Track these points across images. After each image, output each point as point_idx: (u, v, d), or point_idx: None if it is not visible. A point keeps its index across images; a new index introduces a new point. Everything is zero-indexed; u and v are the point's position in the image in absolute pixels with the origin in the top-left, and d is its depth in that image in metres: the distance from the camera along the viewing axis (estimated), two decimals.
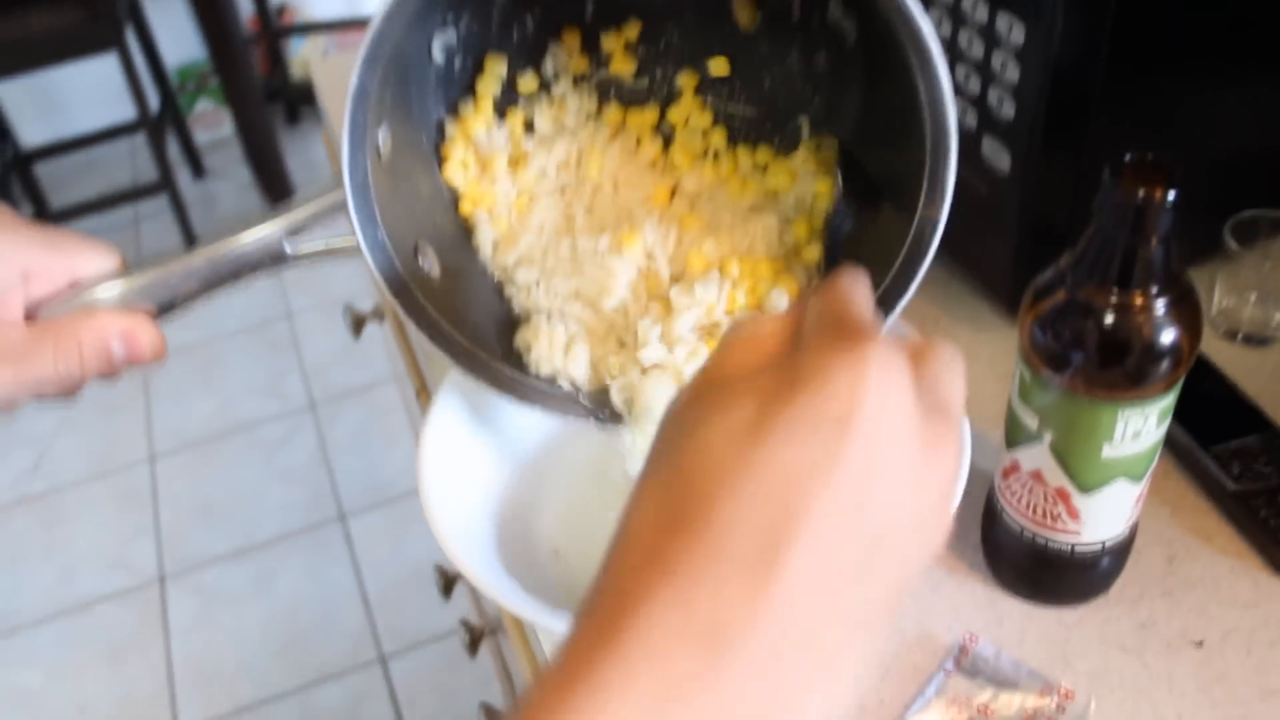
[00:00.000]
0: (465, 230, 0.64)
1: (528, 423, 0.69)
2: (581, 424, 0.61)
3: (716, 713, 0.30)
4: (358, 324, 1.12)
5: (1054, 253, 0.55)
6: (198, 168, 2.94)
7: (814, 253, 0.61)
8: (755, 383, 0.33)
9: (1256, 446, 0.69)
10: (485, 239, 0.63)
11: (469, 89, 0.63)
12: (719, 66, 0.64)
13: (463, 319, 0.59)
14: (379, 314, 1.12)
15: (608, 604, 0.31)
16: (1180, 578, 0.65)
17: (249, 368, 2.39)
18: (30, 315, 0.51)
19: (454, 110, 0.63)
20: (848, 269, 0.39)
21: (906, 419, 0.32)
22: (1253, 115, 0.76)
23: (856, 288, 0.37)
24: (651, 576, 0.31)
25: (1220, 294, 0.78)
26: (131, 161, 3.02)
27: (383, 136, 0.55)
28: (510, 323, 0.63)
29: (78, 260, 0.51)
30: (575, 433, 0.68)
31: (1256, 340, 0.78)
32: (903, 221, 0.55)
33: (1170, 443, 0.71)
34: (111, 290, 0.51)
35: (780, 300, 0.58)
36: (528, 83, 0.64)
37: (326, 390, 2.30)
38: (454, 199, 0.63)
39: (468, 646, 1.00)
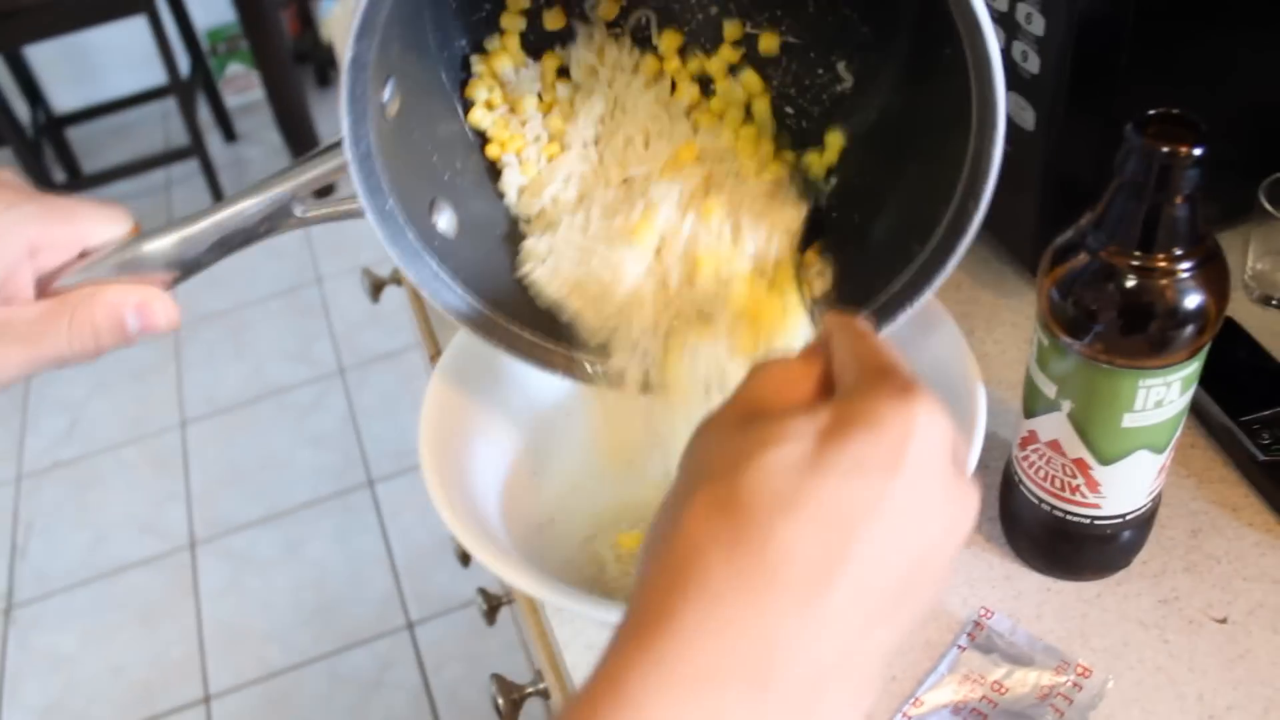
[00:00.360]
0: (490, 173, 0.61)
1: (527, 396, 0.68)
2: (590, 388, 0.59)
3: None
4: (376, 288, 1.11)
5: (1079, 215, 0.52)
6: (229, 131, 2.94)
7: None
8: (810, 420, 0.34)
9: None
10: (511, 184, 0.61)
11: (494, 24, 0.61)
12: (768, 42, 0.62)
13: (480, 276, 0.58)
14: (397, 278, 1.11)
15: (653, 623, 0.32)
16: (1204, 552, 0.62)
17: (279, 333, 2.39)
18: (43, 287, 0.50)
19: (479, 48, 0.61)
20: (856, 317, 0.41)
21: (944, 468, 0.34)
22: None
23: (888, 341, 0.39)
24: (701, 598, 0.32)
25: (1254, 257, 0.76)
26: (163, 125, 3.02)
27: (389, 93, 0.53)
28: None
29: (86, 229, 0.50)
30: (575, 404, 0.67)
31: None
32: (934, 203, 0.54)
33: (1197, 411, 0.68)
34: (122, 259, 0.50)
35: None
36: (554, 18, 0.62)
37: (356, 355, 2.30)
38: (479, 140, 0.61)
39: (485, 615, 1.00)
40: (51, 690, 1.82)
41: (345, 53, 0.47)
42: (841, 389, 0.37)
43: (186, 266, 0.51)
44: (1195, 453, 0.67)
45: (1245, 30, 0.68)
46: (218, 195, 2.61)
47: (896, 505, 0.33)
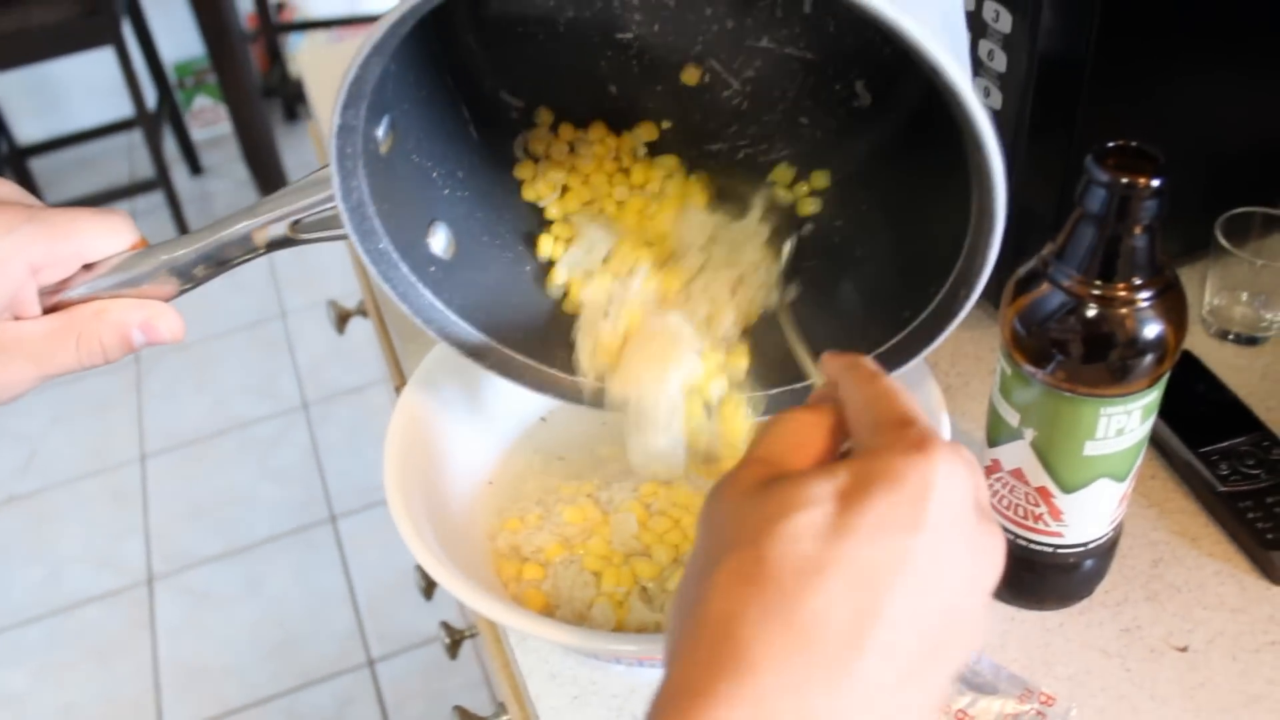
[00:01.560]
0: (498, 185, 0.62)
1: (493, 420, 0.68)
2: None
3: None
4: (342, 319, 1.10)
5: (1041, 247, 0.53)
6: (195, 165, 2.93)
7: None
8: (829, 479, 0.34)
9: (1245, 448, 0.67)
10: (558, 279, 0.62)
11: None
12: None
13: (476, 301, 0.58)
14: (363, 310, 1.11)
15: (685, 700, 0.32)
16: (1165, 581, 0.63)
17: (242, 367, 2.37)
18: (49, 300, 0.50)
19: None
20: (860, 357, 0.41)
21: (966, 522, 0.35)
22: (1245, 110, 0.75)
23: (899, 385, 0.39)
24: (733, 672, 0.32)
25: (1211, 292, 0.77)
26: (128, 158, 3.00)
27: (383, 131, 0.53)
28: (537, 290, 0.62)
29: (87, 244, 0.50)
30: (539, 430, 0.68)
31: (1247, 340, 0.76)
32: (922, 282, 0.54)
33: (1157, 443, 0.69)
34: (126, 274, 0.51)
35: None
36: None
37: (319, 390, 2.28)
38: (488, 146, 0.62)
39: (448, 649, 0.99)
40: None
41: (333, 119, 0.47)
42: (858, 442, 0.37)
43: (189, 279, 0.52)
44: (1156, 484, 0.68)
45: (1202, 68, 0.70)
46: (183, 228, 2.59)
47: (920, 563, 0.33)
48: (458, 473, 0.64)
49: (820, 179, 0.62)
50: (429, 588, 1.02)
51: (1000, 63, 0.66)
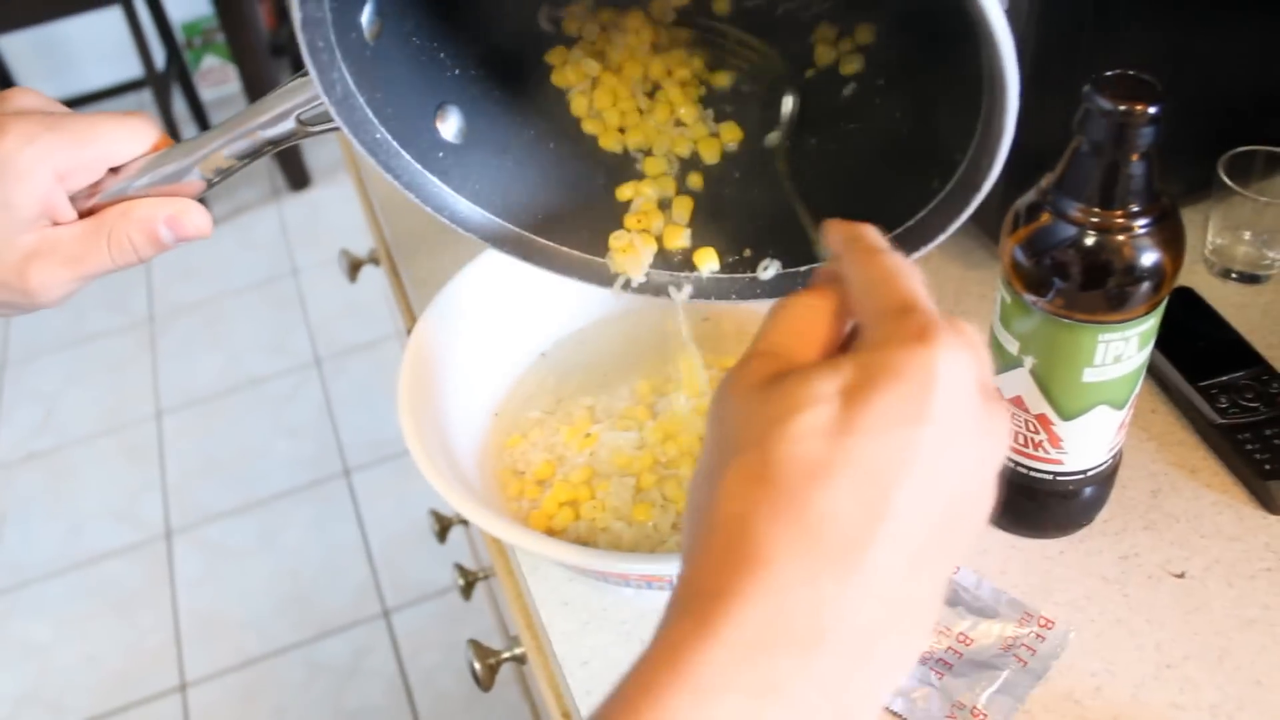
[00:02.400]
0: (515, 61, 0.60)
1: (496, 360, 0.69)
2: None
3: (815, 701, 0.32)
4: (354, 268, 1.12)
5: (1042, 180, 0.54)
6: (204, 124, 2.93)
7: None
8: (834, 376, 0.35)
9: (1244, 381, 0.68)
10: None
11: None
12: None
13: (492, 183, 0.57)
14: (375, 258, 1.12)
15: (704, 597, 0.32)
16: (1164, 511, 0.64)
17: (255, 324, 2.39)
18: (81, 204, 0.52)
19: None
20: (863, 228, 0.40)
21: (970, 407, 0.35)
22: (1249, 49, 0.75)
23: (901, 263, 0.38)
24: (747, 570, 0.32)
25: (1213, 232, 0.78)
26: None
27: (368, 18, 0.51)
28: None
29: (109, 148, 0.52)
30: (540, 365, 0.69)
31: (1249, 278, 0.77)
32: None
33: (1158, 377, 0.70)
34: (153, 174, 0.52)
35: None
36: None
37: (331, 346, 2.30)
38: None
39: (461, 590, 1.01)
40: (26, 680, 1.81)
41: (294, 13, 0.47)
42: (861, 328, 0.37)
43: (214, 174, 0.53)
44: (1156, 417, 0.69)
45: (1206, 10, 0.70)
46: None
47: (927, 455, 0.33)
48: (465, 406, 0.66)
49: (865, 34, 0.58)
50: (442, 531, 1.04)
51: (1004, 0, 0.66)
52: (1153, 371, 0.71)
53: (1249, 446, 0.65)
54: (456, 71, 0.57)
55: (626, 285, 0.58)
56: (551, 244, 0.58)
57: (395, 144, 0.53)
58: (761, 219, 0.59)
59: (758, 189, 0.59)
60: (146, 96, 2.77)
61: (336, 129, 0.52)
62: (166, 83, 2.58)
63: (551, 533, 0.61)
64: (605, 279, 0.58)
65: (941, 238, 0.51)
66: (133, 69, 2.59)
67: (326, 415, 2.16)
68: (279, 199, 2.73)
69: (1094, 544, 0.63)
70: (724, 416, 0.37)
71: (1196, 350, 0.70)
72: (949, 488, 0.34)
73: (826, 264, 0.41)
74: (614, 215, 0.59)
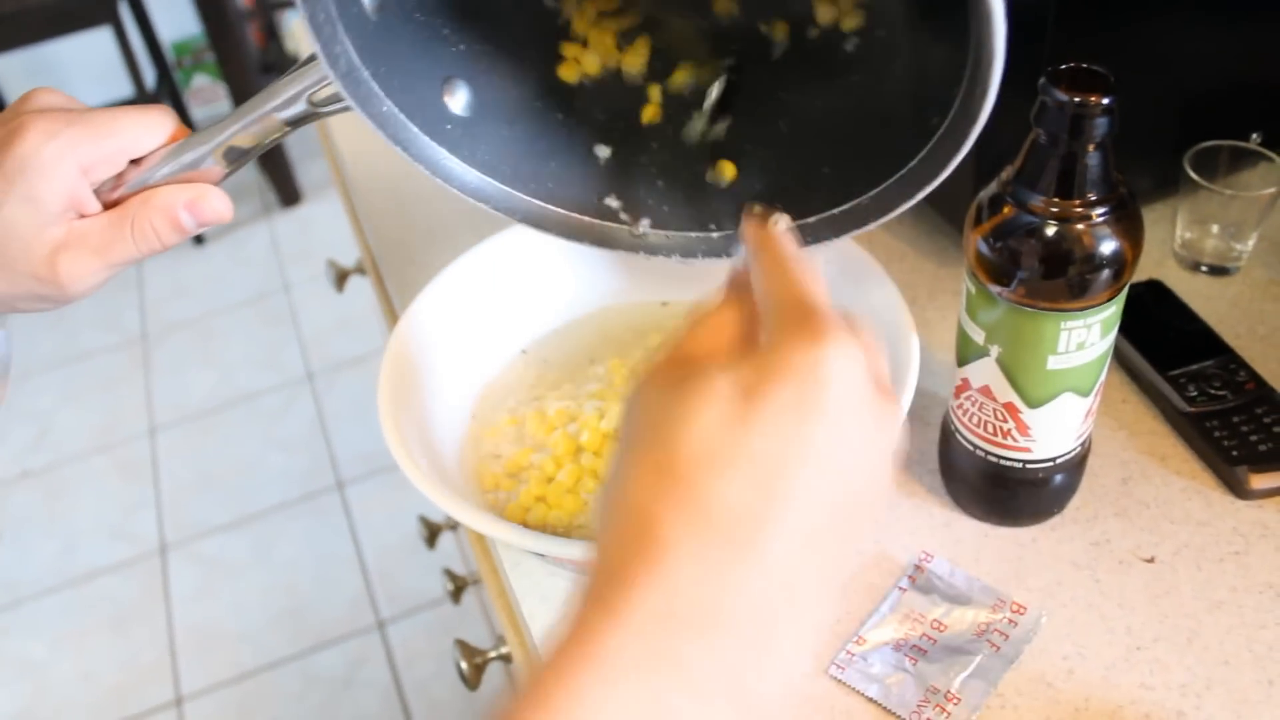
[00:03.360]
0: (519, 34, 0.60)
1: (475, 359, 0.70)
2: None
3: (717, 681, 0.33)
4: (341, 278, 1.13)
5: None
6: None
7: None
8: (733, 375, 0.37)
9: (1212, 370, 0.69)
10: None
11: None
12: None
13: (502, 153, 0.58)
14: (361, 268, 1.13)
15: (611, 583, 0.34)
16: (1135, 498, 0.65)
17: (247, 340, 2.40)
18: (105, 197, 0.54)
19: None
20: (777, 229, 0.43)
21: (861, 400, 0.37)
22: (1212, 47, 0.76)
23: (803, 267, 0.41)
24: (648, 556, 0.34)
25: (1182, 226, 0.79)
26: None
27: None
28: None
29: (129, 141, 0.53)
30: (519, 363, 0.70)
31: (1218, 270, 0.78)
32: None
33: (1128, 368, 0.72)
34: (173, 163, 0.54)
35: None
36: None
37: (324, 361, 2.31)
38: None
39: (451, 595, 1.02)
40: (22, 698, 1.81)
41: None
42: (765, 329, 0.40)
43: (233, 160, 0.55)
44: (1127, 407, 0.70)
45: (1168, 10, 0.72)
46: None
47: (818, 448, 0.35)
48: (446, 403, 0.67)
49: None
50: (431, 537, 1.05)
51: None
52: (1123, 362, 0.72)
53: (1217, 434, 0.66)
54: (461, 47, 0.58)
55: (635, 242, 0.59)
56: (563, 211, 0.59)
57: (403, 116, 0.54)
58: (768, 169, 0.60)
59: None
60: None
61: (348, 108, 0.54)
62: (157, 102, 2.59)
63: (527, 525, 0.62)
64: (619, 244, 0.59)
65: (944, 174, 0.52)
66: (124, 89, 2.60)
67: (319, 429, 2.17)
68: (270, 215, 2.74)
69: (1066, 531, 0.64)
70: (634, 413, 0.39)
71: (1166, 341, 0.72)
72: (842, 476, 0.36)
73: (738, 270, 0.44)
74: (632, 180, 0.60)
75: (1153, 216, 0.82)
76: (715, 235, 0.59)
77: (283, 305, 2.47)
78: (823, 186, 0.56)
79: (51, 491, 2.15)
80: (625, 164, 0.60)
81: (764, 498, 0.35)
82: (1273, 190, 0.75)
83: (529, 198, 0.58)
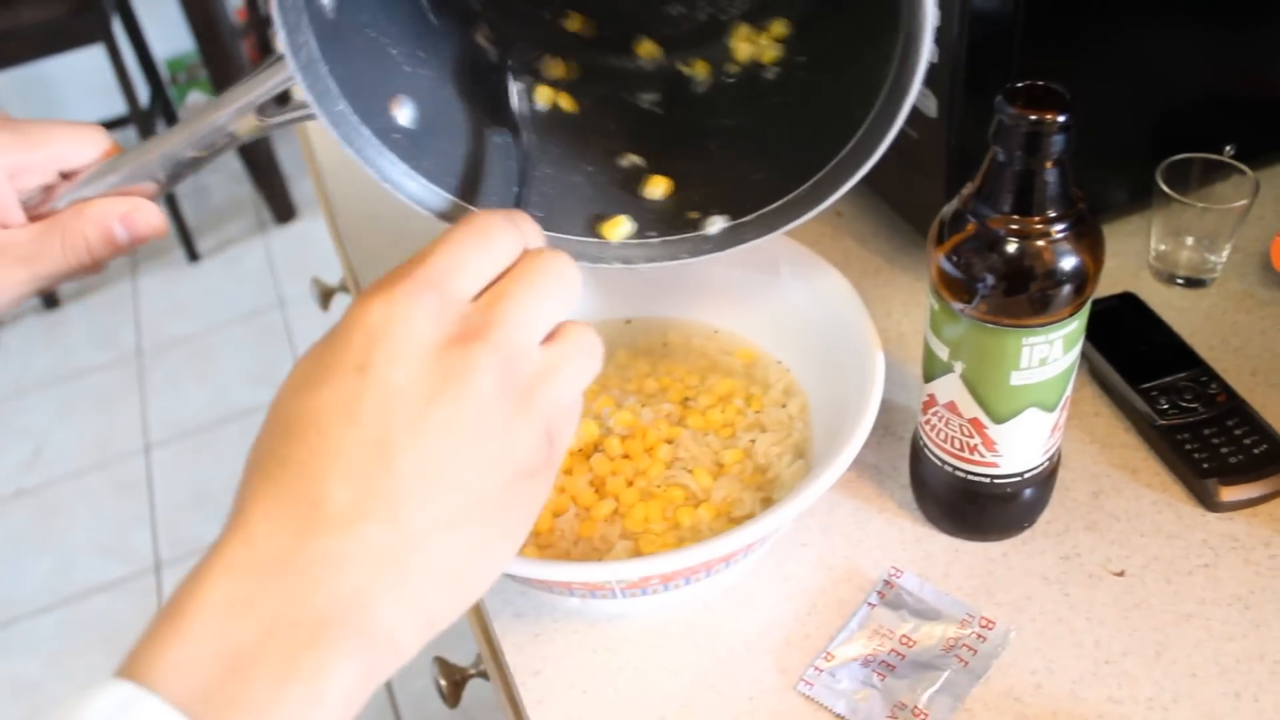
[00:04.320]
0: (464, 66, 0.63)
1: None
2: None
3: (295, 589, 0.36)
4: (325, 296, 1.13)
5: None
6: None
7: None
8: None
9: (1184, 383, 0.69)
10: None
11: None
12: None
13: (447, 166, 0.59)
14: (345, 286, 1.13)
15: (205, 560, 0.37)
16: (1105, 511, 0.65)
17: (242, 356, 2.40)
18: (33, 210, 0.53)
19: None
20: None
21: (421, 359, 0.38)
22: (1181, 61, 0.76)
23: (454, 233, 0.42)
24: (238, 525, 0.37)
25: (1156, 239, 0.79)
26: None
27: None
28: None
29: (61, 151, 0.54)
30: None
31: (1193, 282, 0.79)
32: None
33: (1101, 381, 0.72)
34: (106, 177, 0.54)
35: None
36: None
37: None
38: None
39: None
40: (15, 717, 1.81)
41: None
42: None
43: (167, 177, 0.55)
44: (1099, 420, 0.70)
45: (1134, 25, 0.72)
46: (181, 225, 2.62)
47: (365, 401, 0.37)
48: None
49: (779, 27, 0.64)
50: None
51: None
52: (1096, 375, 0.72)
53: (1188, 446, 0.66)
54: (407, 69, 0.59)
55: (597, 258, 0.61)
56: None
57: (356, 117, 0.55)
58: (704, 179, 0.63)
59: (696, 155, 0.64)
60: (132, 133, 2.79)
61: (293, 119, 0.54)
62: (151, 119, 2.60)
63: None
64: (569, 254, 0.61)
65: (870, 162, 0.56)
66: (118, 106, 2.61)
67: None
68: (265, 232, 2.75)
69: (1036, 545, 0.64)
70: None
71: (1138, 354, 0.72)
72: (397, 424, 0.37)
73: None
74: (570, 198, 0.62)
75: (1128, 229, 0.83)
76: (655, 242, 0.60)
77: (278, 321, 2.48)
78: (755, 189, 0.60)
79: (46, 510, 2.15)
80: (560, 184, 0.62)
81: (310, 452, 0.37)
82: (1245, 202, 0.76)
83: (474, 209, 0.59)
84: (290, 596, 0.35)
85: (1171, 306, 0.77)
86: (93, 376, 2.42)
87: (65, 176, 0.54)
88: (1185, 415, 0.68)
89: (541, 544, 0.62)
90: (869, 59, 0.56)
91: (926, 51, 0.50)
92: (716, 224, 0.60)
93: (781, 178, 0.59)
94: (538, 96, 0.65)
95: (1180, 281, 0.79)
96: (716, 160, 0.63)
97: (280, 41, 0.50)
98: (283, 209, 2.75)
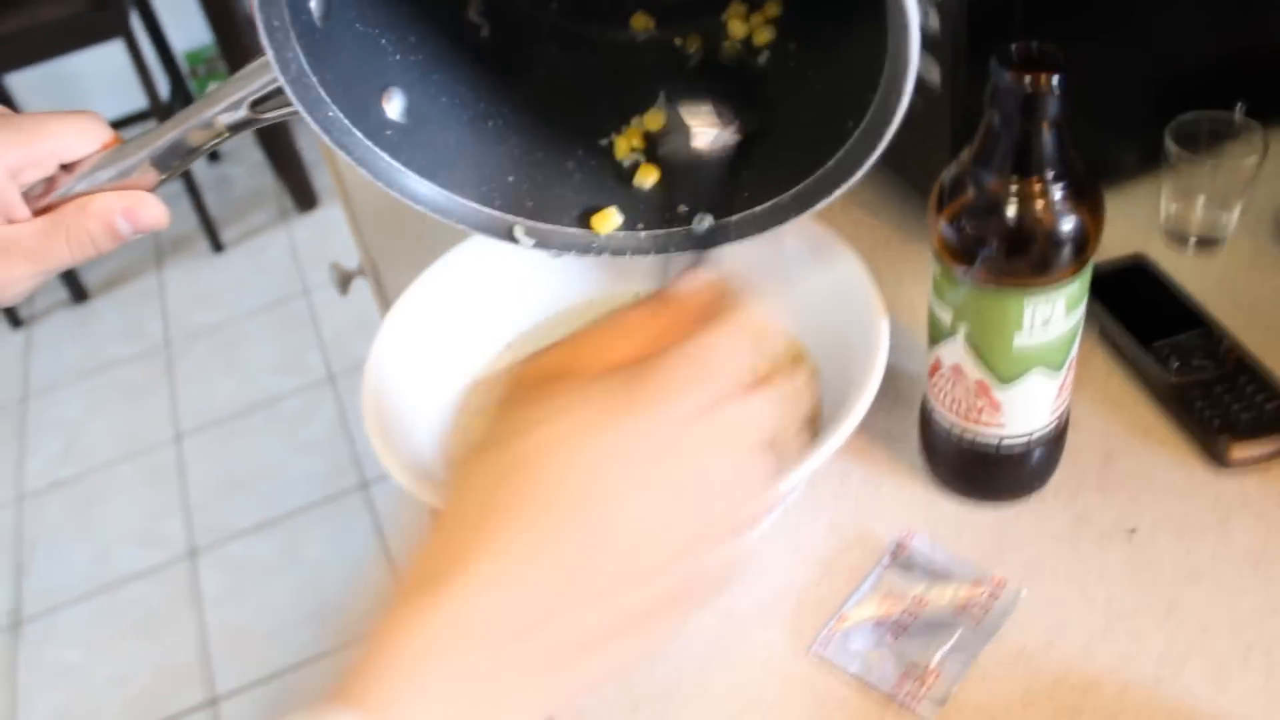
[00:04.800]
0: (452, 46, 0.63)
1: (462, 354, 0.72)
2: None
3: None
4: (344, 280, 1.14)
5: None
6: (212, 152, 2.97)
7: None
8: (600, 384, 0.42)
9: (1195, 341, 0.69)
10: None
11: None
12: None
13: (439, 159, 0.60)
14: (362, 271, 1.15)
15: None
16: (1117, 471, 0.66)
17: (269, 345, 2.43)
18: (35, 203, 0.54)
19: None
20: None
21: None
22: (1192, 18, 0.76)
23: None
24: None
25: (1167, 200, 0.79)
26: None
27: (316, 2, 0.54)
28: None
29: (61, 144, 0.54)
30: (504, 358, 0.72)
31: (1205, 242, 0.79)
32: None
33: (1112, 343, 0.72)
34: (108, 170, 0.54)
35: None
36: None
37: (345, 363, 2.34)
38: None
39: None
40: (60, 702, 1.85)
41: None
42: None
43: (167, 167, 0.55)
44: (1110, 381, 0.71)
45: None
46: (204, 217, 2.64)
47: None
48: (433, 398, 0.68)
49: (773, 7, 0.63)
50: None
51: None
52: (1106, 337, 0.72)
53: (1199, 404, 0.66)
54: (397, 57, 0.60)
55: (586, 250, 0.62)
56: (499, 214, 0.61)
57: (346, 121, 0.55)
58: (694, 181, 0.63)
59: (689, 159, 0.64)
60: (153, 127, 2.81)
61: (287, 114, 0.55)
62: (171, 112, 2.60)
63: None
64: (552, 244, 0.62)
65: (860, 173, 0.54)
66: (138, 100, 2.63)
67: (342, 430, 2.19)
68: (288, 221, 2.77)
69: (1047, 506, 0.64)
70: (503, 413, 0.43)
71: (1149, 314, 0.72)
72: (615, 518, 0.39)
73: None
74: (562, 185, 0.63)
75: (1139, 192, 0.83)
76: (642, 235, 0.61)
77: (303, 309, 2.50)
78: (744, 188, 0.59)
79: (82, 501, 2.18)
80: (551, 171, 0.63)
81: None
82: (1255, 159, 0.75)
83: (465, 201, 0.60)
84: None
85: (1184, 268, 0.77)
86: (122, 368, 2.45)
87: (65, 168, 0.54)
88: (1196, 374, 0.68)
89: None
90: (858, 56, 0.55)
91: (915, 56, 0.49)
92: (705, 221, 0.61)
93: (767, 180, 0.59)
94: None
95: (1192, 242, 0.79)
96: (707, 157, 0.64)
97: (269, 59, 0.51)
98: (304, 198, 2.77)
